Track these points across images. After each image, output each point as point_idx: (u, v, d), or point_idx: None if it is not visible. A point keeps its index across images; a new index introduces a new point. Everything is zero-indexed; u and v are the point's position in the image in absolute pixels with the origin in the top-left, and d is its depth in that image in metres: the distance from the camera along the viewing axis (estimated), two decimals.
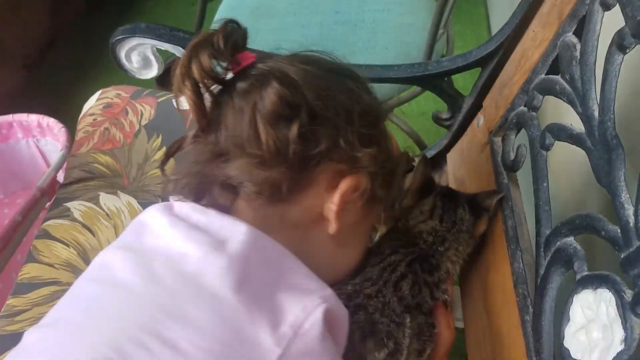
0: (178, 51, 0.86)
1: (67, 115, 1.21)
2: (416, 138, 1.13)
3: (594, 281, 0.50)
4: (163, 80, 2.04)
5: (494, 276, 0.70)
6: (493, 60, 0.81)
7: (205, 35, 0.53)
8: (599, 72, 0.56)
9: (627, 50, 0.52)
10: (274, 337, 0.44)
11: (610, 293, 0.47)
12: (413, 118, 1.97)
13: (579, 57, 0.60)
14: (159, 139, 0.93)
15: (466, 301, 0.79)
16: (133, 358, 0.42)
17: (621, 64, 0.53)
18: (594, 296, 0.50)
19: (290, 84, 0.52)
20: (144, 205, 0.87)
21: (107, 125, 0.95)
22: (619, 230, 0.48)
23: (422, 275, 0.64)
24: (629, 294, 0.45)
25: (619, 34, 0.53)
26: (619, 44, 0.53)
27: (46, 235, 0.84)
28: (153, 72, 0.90)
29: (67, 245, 0.83)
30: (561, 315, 0.54)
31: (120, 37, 0.84)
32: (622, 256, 0.47)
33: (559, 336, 0.54)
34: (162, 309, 0.45)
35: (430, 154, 0.97)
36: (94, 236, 0.84)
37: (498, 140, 0.79)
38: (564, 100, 0.62)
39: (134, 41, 0.85)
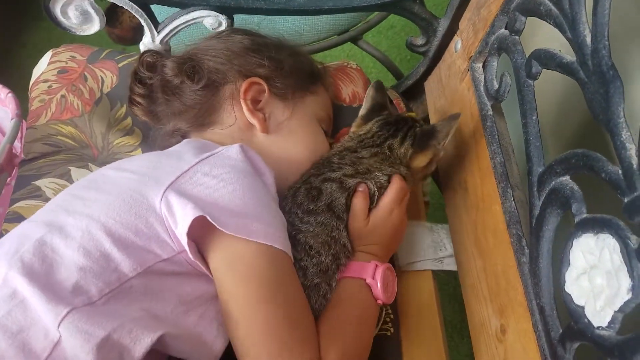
0: (120, 1, 0.76)
1: (9, 80, 1.10)
2: (389, 64, 1.06)
3: (595, 225, 0.47)
4: (111, 19, 1.89)
5: (485, 216, 0.68)
6: None
7: (132, 70, 0.77)
8: None
9: None
10: (195, 157, 0.60)
11: (614, 239, 0.45)
12: (381, 34, 1.88)
13: None
14: (123, 109, 0.85)
15: (457, 243, 0.77)
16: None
17: None
18: (595, 241, 0.47)
19: (179, 56, 0.75)
20: None
21: (64, 92, 0.86)
22: (620, 172, 0.45)
23: (320, 177, 0.67)
24: (634, 241, 0.42)
25: None
26: None
27: (19, 218, 0.77)
28: (95, 26, 0.80)
29: None
30: (560, 258, 0.51)
31: None
32: (626, 200, 0.44)
33: (559, 280, 0.52)
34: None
35: (406, 84, 0.91)
36: None
37: (479, 66, 0.73)
38: (550, 24, 0.56)
39: None
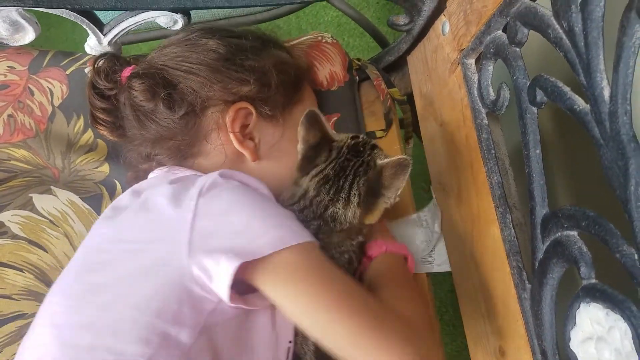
0: (57, 10, 0.64)
1: None
2: (367, 25, 0.95)
3: (606, 300, 0.45)
4: None
5: (481, 233, 0.66)
6: None
7: (88, 82, 0.68)
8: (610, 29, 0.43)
9: None
10: (188, 199, 0.54)
11: (626, 324, 0.43)
12: None
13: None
14: (81, 121, 0.76)
15: (451, 244, 0.74)
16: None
17: None
18: (604, 316, 0.46)
19: (147, 73, 0.64)
20: (88, 200, 0.75)
21: (11, 112, 0.75)
22: (637, 258, 0.42)
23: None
24: None
25: None
26: None
27: None
28: (29, 35, 0.68)
29: (21, 270, 0.72)
30: (566, 313, 0.50)
31: None
32: None
33: (563, 333, 0.51)
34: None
35: (387, 59, 0.83)
36: (47, 252, 0.73)
37: (471, 63, 0.66)
38: (560, 54, 0.50)
39: None
